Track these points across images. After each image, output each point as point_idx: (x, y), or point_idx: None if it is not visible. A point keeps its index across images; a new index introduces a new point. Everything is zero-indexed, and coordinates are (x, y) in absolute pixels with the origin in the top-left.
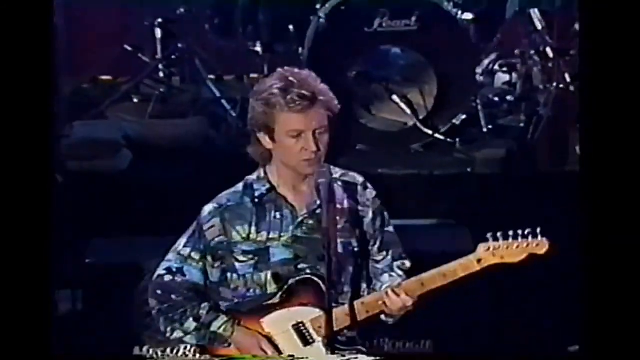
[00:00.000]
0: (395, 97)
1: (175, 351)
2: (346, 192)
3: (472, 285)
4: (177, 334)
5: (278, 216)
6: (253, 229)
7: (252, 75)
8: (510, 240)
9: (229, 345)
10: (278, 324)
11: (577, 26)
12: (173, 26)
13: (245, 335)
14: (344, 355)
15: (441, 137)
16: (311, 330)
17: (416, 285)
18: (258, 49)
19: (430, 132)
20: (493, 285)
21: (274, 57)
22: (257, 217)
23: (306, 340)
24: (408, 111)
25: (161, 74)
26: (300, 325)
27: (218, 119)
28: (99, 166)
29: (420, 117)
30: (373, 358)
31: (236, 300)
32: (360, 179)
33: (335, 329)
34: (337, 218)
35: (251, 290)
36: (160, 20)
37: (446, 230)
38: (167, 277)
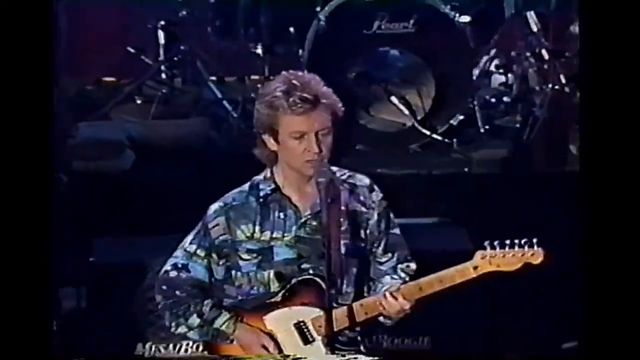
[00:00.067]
0: (393, 98)
1: (177, 348)
2: (351, 194)
3: (473, 284)
4: (182, 329)
5: (282, 216)
6: (257, 228)
7: (253, 77)
8: (507, 249)
9: (232, 341)
10: (280, 322)
11: (572, 28)
12: (175, 28)
13: (248, 332)
14: (343, 355)
15: (439, 138)
16: (311, 330)
17: (414, 289)
18: (259, 50)
19: (428, 132)
20: (492, 284)
21: (274, 58)
22: (261, 216)
23: (307, 339)
24: (406, 112)
25: (163, 76)
26: (301, 324)
27: (219, 119)
28: (102, 166)
29: (418, 118)
30: (371, 359)
31: (240, 298)
32: (366, 181)
33: (335, 329)
34: (341, 219)
35: (255, 288)
36: (162, 22)
37: (444, 229)
38: (173, 273)
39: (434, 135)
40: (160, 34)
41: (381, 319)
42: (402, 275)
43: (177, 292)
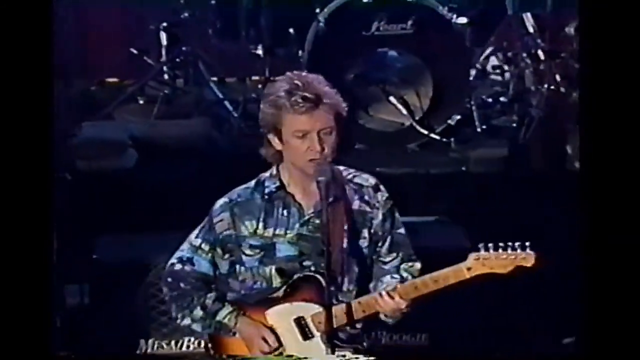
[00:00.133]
0: (392, 99)
1: (179, 344)
2: (357, 193)
3: (470, 284)
4: (186, 321)
5: (285, 213)
6: (261, 224)
7: (253, 78)
8: (500, 251)
9: (234, 334)
10: (281, 316)
11: (567, 29)
12: (177, 30)
13: (249, 326)
14: (343, 356)
15: (437, 137)
16: (311, 325)
17: (410, 288)
18: (259, 52)
19: (426, 132)
20: (490, 283)
21: (274, 59)
22: (265, 213)
23: (306, 335)
24: (404, 112)
25: (166, 77)
26: (301, 319)
27: (221, 119)
28: (106, 165)
29: (417, 118)
30: (367, 358)
31: (243, 292)
32: (372, 180)
33: (334, 325)
34: (345, 218)
35: (258, 283)
36: (164, 24)
37: (442, 227)
38: (178, 266)
39: (432, 135)
40: (163, 36)
41: (382, 317)
42: (405, 275)
43: (182, 285)
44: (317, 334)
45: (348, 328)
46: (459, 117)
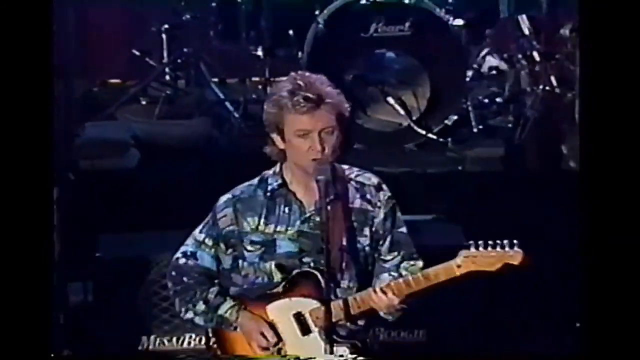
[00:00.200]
0: (390, 99)
1: (181, 341)
2: (358, 192)
3: (467, 281)
4: (189, 314)
5: (287, 211)
6: (262, 220)
7: (254, 79)
8: (489, 249)
9: (235, 329)
10: (281, 311)
11: (562, 31)
12: (179, 32)
13: (249, 320)
14: (341, 356)
15: (434, 137)
16: (309, 321)
17: (402, 285)
18: (260, 53)
19: (423, 132)
20: (488, 280)
21: (274, 61)
22: (267, 210)
23: (305, 330)
24: (402, 112)
25: (167, 77)
26: (300, 315)
27: (221, 120)
28: (108, 165)
29: (414, 118)
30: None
31: (245, 287)
32: (375, 180)
33: (331, 321)
34: (346, 216)
35: (259, 278)
36: (166, 26)
37: (439, 225)
38: (182, 260)
39: (429, 135)
40: (164, 37)
41: (381, 314)
42: (405, 273)
43: (185, 279)
44: (315, 330)
45: (348, 324)
46: (455, 117)
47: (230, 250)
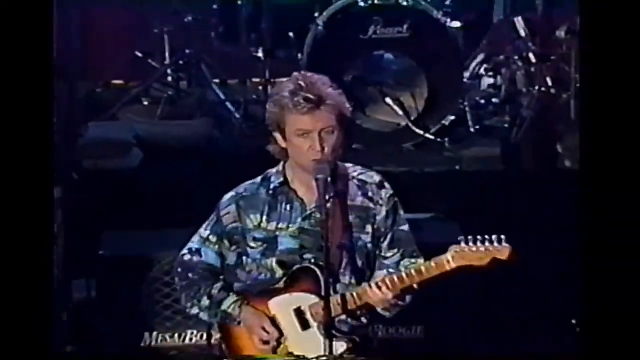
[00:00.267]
0: (388, 100)
1: (182, 337)
2: (360, 190)
3: (464, 275)
4: (195, 310)
5: (288, 208)
6: (264, 218)
7: (254, 79)
8: (478, 244)
9: (239, 323)
10: (281, 306)
11: (558, 33)
12: (181, 33)
13: (251, 315)
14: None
15: (431, 137)
16: (308, 316)
17: (396, 280)
18: (260, 54)
19: (421, 132)
20: (487, 277)
21: (274, 62)
22: (269, 207)
23: (304, 324)
24: (400, 112)
25: (169, 78)
26: (300, 309)
27: (222, 120)
28: (111, 164)
29: (412, 118)
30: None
31: (249, 282)
32: (376, 178)
33: (330, 316)
34: (347, 213)
35: (262, 274)
36: (168, 28)
37: (436, 224)
38: (187, 257)
39: (427, 135)
40: (166, 39)
41: (379, 309)
42: (403, 269)
43: (190, 275)
44: (314, 324)
45: (349, 320)
46: (452, 117)
47: (233, 247)
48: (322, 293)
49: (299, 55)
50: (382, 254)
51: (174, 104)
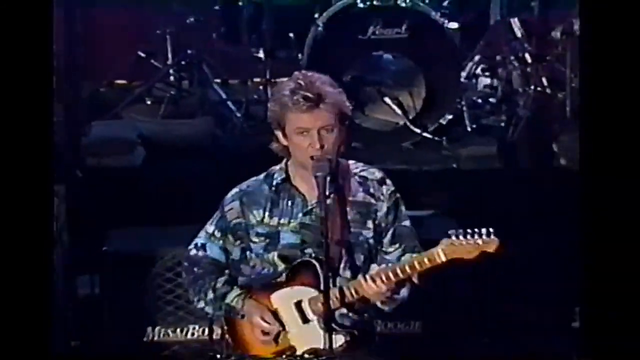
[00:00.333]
0: (387, 99)
1: (184, 332)
2: (362, 186)
3: (462, 271)
4: (201, 304)
5: (289, 204)
6: (267, 213)
7: (255, 79)
8: (468, 237)
9: (243, 317)
10: (283, 300)
11: (553, 34)
12: (183, 34)
13: (254, 308)
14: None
15: (429, 136)
16: (307, 309)
17: (390, 273)
18: (261, 55)
19: (419, 131)
20: (485, 272)
21: (275, 62)
22: (271, 203)
23: (304, 318)
24: (399, 112)
25: (172, 78)
26: (300, 303)
27: (224, 119)
28: (115, 162)
29: (410, 118)
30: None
31: (253, 277)
32: (378, 174)
33: (328, 309)
34: (347, 209)
35: (266, 269)
36: (171, 28)
37: (434, 221)
38: (193, 252)
39: (425, 134)
40: (169, 40)
41: (378, 304)
42: None
43: (195, 269)
44: (314, 318)
45: (350, 314)
46: (450, 116)
47: (238, 242)
48: (322, 287)
49: (299, 55)
50: (384, 249)
51: (176, 104)
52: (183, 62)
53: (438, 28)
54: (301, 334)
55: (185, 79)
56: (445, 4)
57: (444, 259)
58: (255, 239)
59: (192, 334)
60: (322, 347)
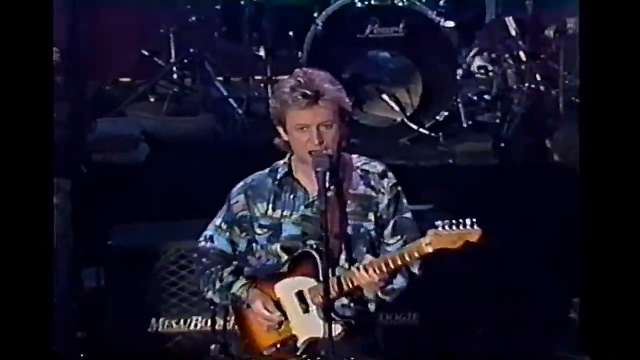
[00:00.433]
0: (385, 96)
1: (187, 323)
2: (363, 179)
3: (458, 263)
4: (210, 293)
5: (292, 197)
6: (270, 206)
7: (256, 77)
8: (454, 227)
9: (248, 306)
10: (285, 290)
11: (547, 32)
12: (185, 33)
13: (257, 297)
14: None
15: (426, 132)
16: (308, 299)
17: (382, 263)
18: (262, 53)
19: (416, 127)
20: (481, 264)
21: (275, 60)
22: (274, 196)
23: (305, 307)
24: (396, 109)
25: (175, 76)
26: (301, 293)
27: (226, 116)
28: (119, 158)
29: (407, 114)
30: None
31: (258, 267)
32: (380, 168)
33: (327, 298)
34: (349, 202)
35: (270, 260)
36: (174, 27)
37: (430, 215)
38: (202, 243)
39: (422, 130)
40: (172, 38)
41: (379, 294)
42: None
43: (204, 260)
44: (313, 307)
45: (352, 305)
46: (446, 113)
47: (244, 234)
48: (320, 277)
49: (299, 53)
50: (385, 241)
51: (179, 101)
52: (185, 61)
53: (434, 27)
54: (302, 323)
55: (187, 77)
56: (441, 3)
57: (430, 249)
58: (259, 231)
59: (195, 325)
60: (321, 336)
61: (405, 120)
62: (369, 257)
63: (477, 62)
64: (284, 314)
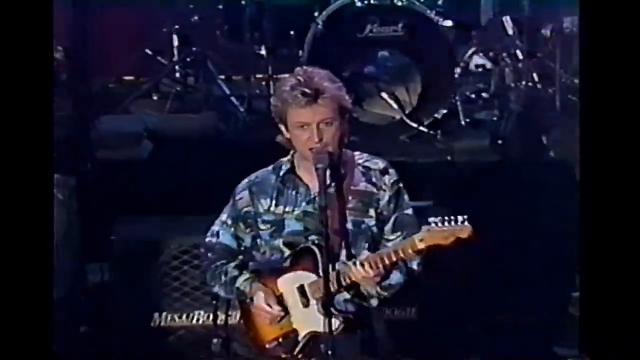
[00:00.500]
0: (384, 94)
1: (190, 317)
2: (364, 176)
3: (458, 258)
4: (215, 287)
5: (294, 193)
6: (273, 202)
7: (257, 76)
8: (446, 224)
9: (252, 300)
10: (287, 284)
11: (544, 31)
12: (188, 32)
13: (260, 291)
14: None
15: (424, 130)
16: (308, 293)
17: (377, 259)
18: (263, 52)
19: (415, 125)
20: (480, 260)
21: (276, 59)
22: (277, 192)
23: (305, 301)
24: (395, 107)
25: (177, 75)
26: (302, 287)
27: (228, 114)
28: (123, 155)
29: (406, 112)
30: None
31: (262, 262)
32: (381, 164)
33: (327, 293)
34: (350, 198)
35: (274, 255)
36: (176, 27)
37: (429, 212)
38: (208, 239)
39: (420, 128)
40: (175, 37)
41: (379, 289)
42: None
43: (210, 254)
44: (313, 301)
45: (355, 299)
46: (445, 111)
47: (248, 230)
48: (320, 272)
49: (300, 52)
50: (386, 236)
51: (182, 99)
52: (188, 59)
53: (433, 26)
54: (303, 317)
55: (190, 75)
56: (439, 2)
57: (423, 245)
58: (262, 227)
59: (197, 320)
60: (321, 330)
61: (404, 118)
62: (365, 253)
63: (475, 60)
64: (285, 308)
